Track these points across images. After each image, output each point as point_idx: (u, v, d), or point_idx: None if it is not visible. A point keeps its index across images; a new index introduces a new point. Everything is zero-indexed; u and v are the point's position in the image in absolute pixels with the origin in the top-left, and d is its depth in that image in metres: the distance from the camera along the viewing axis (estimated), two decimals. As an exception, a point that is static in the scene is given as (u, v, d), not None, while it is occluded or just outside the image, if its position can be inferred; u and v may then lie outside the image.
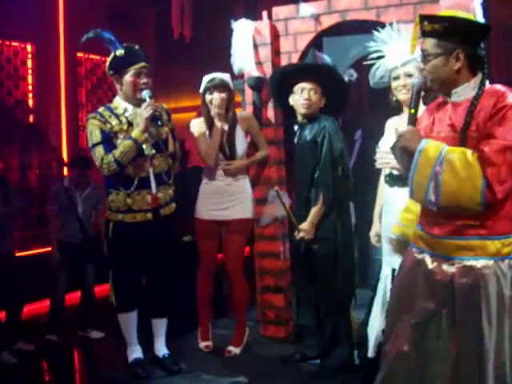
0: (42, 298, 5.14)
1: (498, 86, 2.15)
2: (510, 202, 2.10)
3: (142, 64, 3.38)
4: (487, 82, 2.17)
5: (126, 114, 3.41)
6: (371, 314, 3.30)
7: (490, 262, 2.11)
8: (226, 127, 3.68)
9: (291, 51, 3.98)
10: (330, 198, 3.35)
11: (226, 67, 3.95)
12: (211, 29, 7.71)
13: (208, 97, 3.69)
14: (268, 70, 3.97)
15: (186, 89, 8.20)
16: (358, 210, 4.55)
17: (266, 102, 4.02)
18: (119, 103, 3.46)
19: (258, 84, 3.92)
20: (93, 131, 3.36)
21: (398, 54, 3.08)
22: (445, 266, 2.18)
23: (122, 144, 3.30)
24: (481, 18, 3.36)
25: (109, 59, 3.42)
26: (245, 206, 3.78)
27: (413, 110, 2.19)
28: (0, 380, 3.96)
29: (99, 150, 3.33)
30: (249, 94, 4.06)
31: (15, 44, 7.46)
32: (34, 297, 5.06)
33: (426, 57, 2.16)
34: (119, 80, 3.40)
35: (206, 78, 3.73)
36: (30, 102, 7.54)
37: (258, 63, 3.98)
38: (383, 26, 3.23)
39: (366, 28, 3.94)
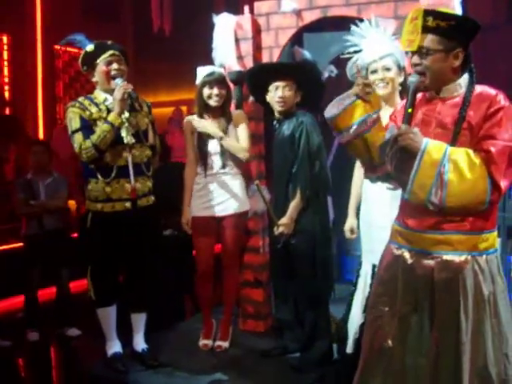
0: (18, 293, 5.08)
1: (485, 87, 2.18)
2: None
3: (111, 52, 3.40)
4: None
5: (106, 103, 3.42)
6: (351, 309, 3.33)
7: (468, 257, 2.16)
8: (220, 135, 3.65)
9: (273, 46, 3.98)
10: (307, 193, 3.37)
11: (206, 62, 3.92)
12: (191, 23, 7.69)
13: (207, 91, 3.63)
14: (249, 65, 3.96)
15: (164, 83, 8.18)
16: (336, 205, 4.59)
17: (247, 97, 4.00)
18: (99, 93, 3.47)
19: (239, 78, 3.90)
20: (72, 118, 3.35)
21: (376, 48, 3.10)
22: (424, 261, 2.21)
23: (99, 128, 3.30)
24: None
25: (80, 56, 3.46)
26: (238, 199, 3.75)
27: (409, 110, 2.17)
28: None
29: (78, 137, 3.33)
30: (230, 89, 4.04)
31: (-9, 35, 7.36)
32: (10, 292, 5.00)
33: (425, 52, 2.14)
34: (93, 73, 3.44)
35: (203, 71, 3.67)
36: (6, 95, 7.46)
37: (240, 57, 3.96)
38: (363, 22, 3.24)
39: (347, 24, 3.98)
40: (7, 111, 7.45)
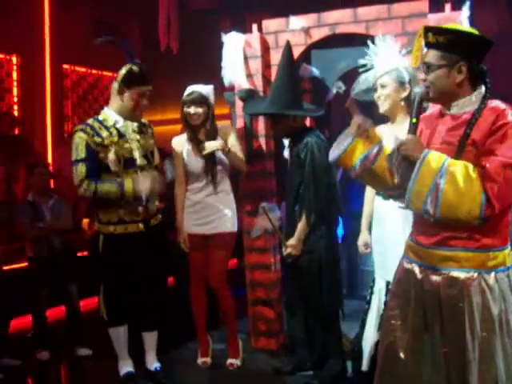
0: (28, 312, 5.07)
1: (497, 102, 2.16)
2: (500, 217, 2.12)
3: (149, 87, 3.45)
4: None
5: (117, 126, 3.43)
6: (365, 327, 3.31)
7: (475, 274, 2.13)
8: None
9: (282, 64, 3.99)
10: (313, 215, 3.37)
11: (213, 79, 3.96)
12: (198, 41, 7.75)
13: (186, 110, 3.69)
14: (258, 82, 3.99)
15: (172, 101, 8.18)
16: (346, 222, 4.57)
17: (257, 115, 4.03)
18: (108, 115, 3.46)
19: (248, 96, 3.93)
20: (79, 145, 3.35)
21: (381, 66, 3.14)
22: (432, 277, 2.20)
23: (111, 186, 3.33)
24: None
25: (124, 70, 3.38)
26: (228, 219, 3.76)
27: (414, 120, 2.18)
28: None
29: (81, 169, 3.34)
30: (240, 107, 4.06)
31: (0, 56, 7.42)
32: (20, 311, 4.98)
33: (428, 68, 2.16)
34: (123, 93, 3.40)
35: (187, 90, 3.72)
36: (16, 114, 7.49)
37: (249, 75, 3.99)
38: (372, 39, 3.26)
39: (354, 41, 4.01)
40: (16, 131, 7.48)
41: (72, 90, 8.18)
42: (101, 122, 3.42)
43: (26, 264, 4.63)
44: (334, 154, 2.40)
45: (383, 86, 3.12)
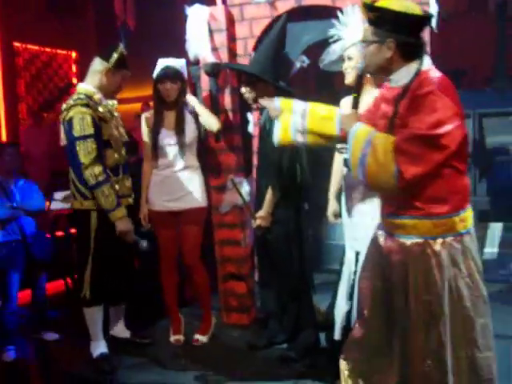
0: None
1: (431, 72, 2.20)
2: (441, 185, 2.18)
3: (129, 72, 3.51)
4: (427, 68, 2.21)
5: (104, 103, 3.42)
6: (337, 297, 3.34)
7: (420, 241, 2.21)
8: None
9: (247, 37, 3.95)
10: (278, 187, 3.38)
11: (174, 54, 3.86)
12: (155, 16, 7.59)
13: (160, 85, 3.63)
14: (224, 56, 3.93)
15: (130, 80, 8.04)
16: (310, 195, 4.59)
17: (223, 88, 3.98)
18: (93, 91, 3.40)
19: (214, 70, 3.86)
20: (84, 120, 3.25)
21: (348, 38, 3.13)
22: (388, 242, 2.33)
23: (112, 198, 3.31)
24: (433, 5, 3.45)
25: (117, 51, 3.39)
26: (197, 194, 3.73)
27: (355, 94, 2.31)
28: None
29: (92, 145, 3.27)
30: (205, 81, 4.00)
31: None
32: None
33: (364, 43, 2.26)
34: (110, 74, 3.39)
35: (160, 65, 3.65)
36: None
37: (214, 49, 3.93)
38: (339, 10, 3.24)
39: (318, 14, 3.98)
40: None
41: (25, 69, 7.90)
42: (91, 98, 3.35)
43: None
44: (275, 139, 2.57)
45: (350, 58, 3.11)
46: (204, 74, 3.96)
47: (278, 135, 2.53)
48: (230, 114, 4.02)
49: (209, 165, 4.07)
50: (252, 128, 3.97)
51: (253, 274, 4.17)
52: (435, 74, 2.20)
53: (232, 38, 3.98)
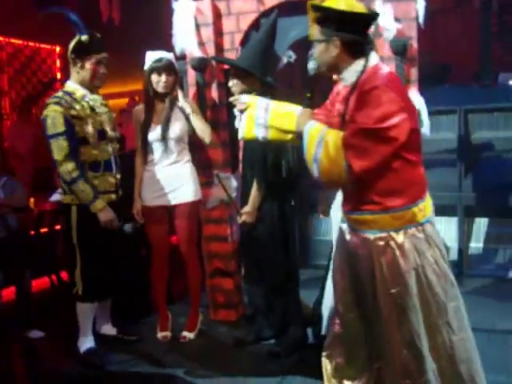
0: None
1: (378, 69, 2.24)
2: (395, 178, 2.23)
3: (104, 54, 3.41)
4: (375, 64, 2.26)
5: (86, 99, 3.39)
6: (324, 292, 3.34)
7: (383, 235, 2.26)
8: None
9: (234, 31, 3.92)
10: (263, 183, 3.37)
11: (160, 49, 3.83)
12: (141, 11, 7.52)
13: (155, 77, 3.58)
14: (211, 51, 3.90)
15: (115, 75, 7.95)
16: (296, 191, 4.58)
17: (210, 83, 3.96)
18: (75, 88, 3.40)
19: (201, 65, 3.84)
20: (55, 119, 3.25)
21: None
22: (352, 238, 2.39)
23: (89, 191, 3.30)
24: (421, 1, 3.45)
25: (73, 42, 3.35)
26: (190, 188, 3.71)
27: (308, 94, 2.36)
28: None
29: (63, 143, 3.25)
30: (191, 75, 3.97)
31: None
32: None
33: (313, 42, 2.30)
34: (79, 65, 3.36)
35: (151, 57, 3.61)
36: None
37: (201, 43, 3.89)
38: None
39: (306, 9, 3.96)
40: None
41: (8, 64, 7.80)
42: (70, 95, 3.35)
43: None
44: (239, 133, 2.63)
45: None
46: (191, 68, 3.93)
47: (242, 129, 2.60)
48: (217, 109, 3.99)
49: (196, 160, 4.04)
50: (238, 123, 3.94)
51: (240, 270, 4.15)
52: (382, 69, 2.25)
53: (219, 33, 3.95)
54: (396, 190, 2.23)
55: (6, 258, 4.29)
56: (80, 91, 3.38)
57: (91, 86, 3.43)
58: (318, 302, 3.43)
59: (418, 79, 3.51)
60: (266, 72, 3.47)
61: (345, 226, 2.45)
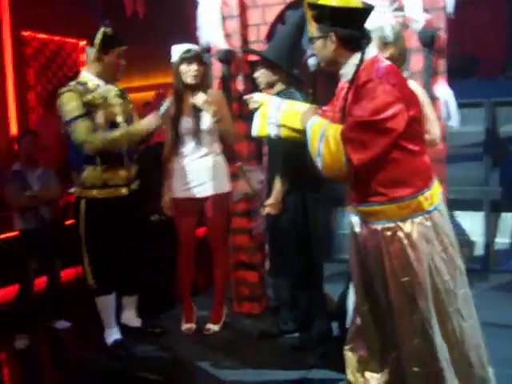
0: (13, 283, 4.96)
1: (374, 62, 2.26)
2: (397, 168, 2.25)
3: (125, 47, 3.42)
4: (371, 58, 2.28)
5: (99, 90, 3.37)
6: (349, 285, 3.32)
7: (391, 225, 2.29)
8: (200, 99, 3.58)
9: (260, 23, 3.90)
10: (286, 174, 3.36)
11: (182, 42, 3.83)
12: (165, 4, 7.53)
13: (185, 67, 3.56)
14: (236, 43, 3.89)
15: (138, 68, 8.01)
16: (321, 184, 4.56)
17: (236, 75, 3.95)
18: (89, 79, 3.40)
19: (227, 57, 3.84)
20: (71, 103, 3.26)
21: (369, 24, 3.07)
22: (362, 230, 2.42)
23: (117, 131, 3.31)
24: None
25: (99, 35, 3.33)
26: (220, 180, 3.70)
27: (310, 90, 2.50)
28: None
29: (82, 124, 3.25)
30: (217, 68, 3.97)
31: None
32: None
33: (312, 39, 2.35)
34: (101, 57, 3.36)
35: (179, 49, 3.60)
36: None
37: (226, 36, 3.89)
38: None
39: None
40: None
41: (34, 58, 7.87)
42: (84, 85, 3.35)
43: (16, 234, 4.52)
44: (252, 131, 2.74)
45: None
46: (216, 61, 3.93)
47: (256, 127, 2.70)
48: (243, 102, 3.96)
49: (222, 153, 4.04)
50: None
51: (264, 262, 4.15)
52: (379, 62, 2.27)
53: (244, 25, 3.93)
54: (400, 180, 2.26)
55: (39, 248, 4.36)
56: (94, 81, 3.38)
57: (111, 78, 3.43)
58: (343, 296, 3.40)
59: (447, 71, 3.46)
60: (293, 64, 3.46)
61: (355, 219, 2.47)
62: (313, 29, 2.33)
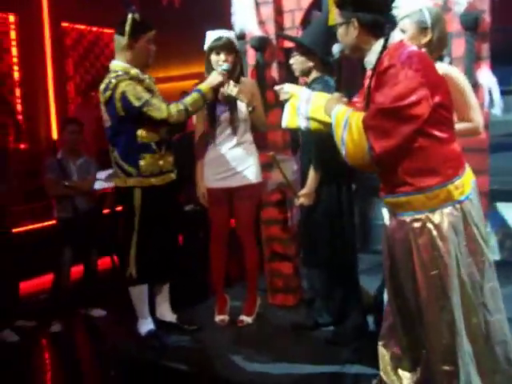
0: (38, 274, 5.04)
1: (398, 47, 2.19)
2: (424, 156, 2.17)
3: (154, 32, 3.38)
4: (395, 43, 2.21)
5: (140, 77, 3.35)
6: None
7: (419, 216, 2.21)
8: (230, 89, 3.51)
9: (294, 9, 3.82)
10: (320, 164, 3.28)
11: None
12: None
13: (214, 57, 3.52)
14: (271, 30, 3.82)
15: (175, 57, 8.01)
16: (357, 174, 4.47)
17: (270, 63, 3.88)
18: (127, 67, 3.33)
19: (261, 44, 3.78)
20: (136, 88, 3.25)
21: (403, 7, 2.95)
22: (391, 222, 2.36)
23: (191, 95, 3.33)
24: None
25: (128, 22, 3.27)
26: (252, 170, 3.65)
27: (335, 77, 2.45)
28: (2, 358, 3.87)
29: (157, 101, 3.26)
30: (251, 55, 3.91)
31: (-3, 15, 7.20)
32: (30, 274, 4.95)
33: (335, 26, 2.32)
34: (132, 44, 3.31)
35: (211, 36, 3.54)
36: (16, 75, 7.32)
37: (261, 22, 3.82)
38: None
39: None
40: (17, 92, 7.34)
41: (73, 49, 7.97)
42: (126, 74, 3.31)
43: (49, 223, 4.60)
44: (282, 122, 2.75)
45: (403, 31, 2.94)
46: (250, 48, 3.86)
47: (286, 118, 2.71)
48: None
49: (256, 142, 3.98)
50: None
51: (299, 253, 4.09)
52: (403, 47, 2.19)
53: (279, 11, 3.85)
54: (427, 169, 2.18)
55: (74, 237, 4.39)
56: (133, 70, 3.33)
57: (143, 64, 3.38)
58: (380, 289, 3.31)
59: (490, 56, 3.31)
60: (328, 51, 3.36)
61: (385, 211, 2.41)
62: (335, 16, 2.30)
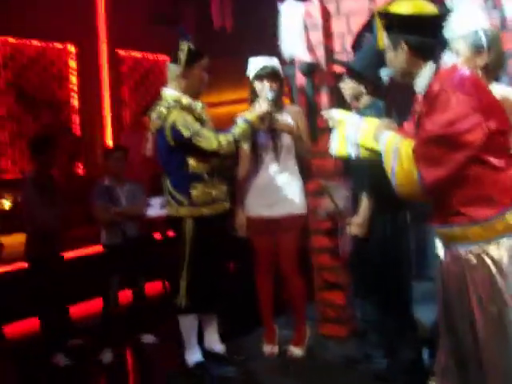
0: (88, 298, 5.10)
1: (450, 70, 2.10)
2: (479, 185, 2.05)
3: (207, 59, 3.40)
4: (448, 66, 2.14)
5: (193, 107, 3.36)
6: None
7: (475, 248, 2.08)
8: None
9: (344, 33, 3.77)
10: (373, 192, 3.18)
11: (270, 55, 3.76)
12: (253, 16, 7.53)
13: (258, 85, 3.52)
14: (320, 54, 3.78)
15: (228, 81, 8.06)
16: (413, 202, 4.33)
17: (319, 88, 3.83)
18: (179, 96, 3.35)
19: (310, 69, 3.73)
20: (186, 118, 3.26)
21: (456, 27, 2.82)
22: (446, 255, 2.22)
23: (238, 126, 3.30)
24: None
25: (184, 51, 3.31)
26: (295, 200, 3.59)
27: (383, 103, 2.37)
28: (55, 382, 3.90)
29: (206, 133, 3.26)
30: (300, 80, 3.87)
31: (58, 45, 7.45)
32: (80, 298, 5.02)
33: (384, 51, 2.25)
34: (186, 73, 3.33)
35: (255, 64, 3.55)
36: (75, 103, 7.55)
37: (310, 47, 3.78)
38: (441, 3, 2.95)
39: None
40: (77, 119, 7.56)
41: (128, 76, 8.17)
42: (178, 103, 3.33)
43: (96, 250, 4.65)
44: (331, 150, 2.71)
45: (457, 54, 2.81)
46: (299, 73, 3.82)
47: (335, 147, 2.66)
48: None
49: (305, 168, 3.92)
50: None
51: (351, 283, 3.97)
52: (456, 71, 2.11)
53: (328, 34, 3.81)
54: (482, 198, 2.05)
55: (122, 264, 4.41)
56: (185, 99, 3.35)
57: (196, 92, 3.40)
58: (436, 321, 3.15)
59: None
60: (380, 76, 3.28)
61: (438, 242, 2.33)
62: (384, 39, 2.22)
